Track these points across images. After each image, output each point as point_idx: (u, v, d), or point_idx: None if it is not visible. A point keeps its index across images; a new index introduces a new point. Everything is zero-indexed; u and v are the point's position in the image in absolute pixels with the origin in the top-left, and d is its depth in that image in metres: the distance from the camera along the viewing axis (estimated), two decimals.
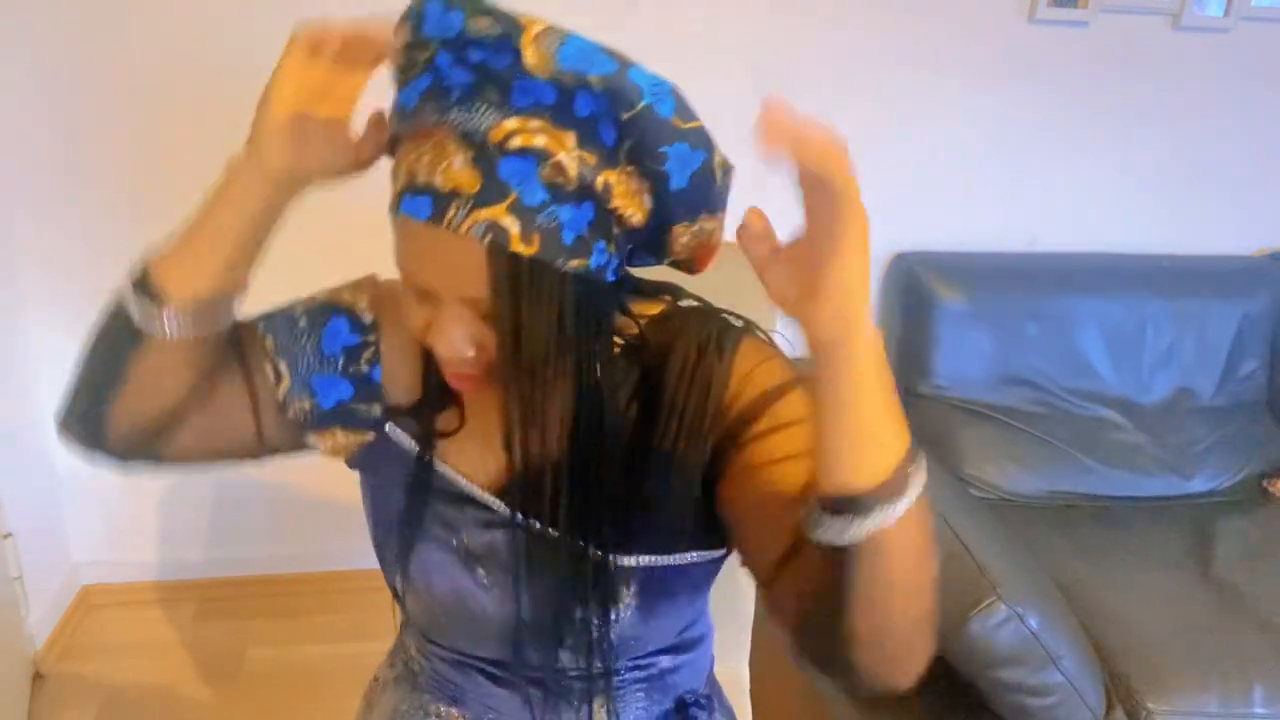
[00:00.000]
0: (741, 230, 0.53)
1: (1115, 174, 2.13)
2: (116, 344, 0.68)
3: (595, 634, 0.73)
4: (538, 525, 0.73)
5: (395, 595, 0.81)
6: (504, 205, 0.57)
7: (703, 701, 0.88)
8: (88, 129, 1.80)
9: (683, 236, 0.65)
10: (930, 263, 2.02)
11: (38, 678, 1.88)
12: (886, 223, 2.10)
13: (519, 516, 0.73)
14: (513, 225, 0.57)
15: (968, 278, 2.00)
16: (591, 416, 0.66)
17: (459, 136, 0.57)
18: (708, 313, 0.76)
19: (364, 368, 0.76)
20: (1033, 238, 2.15)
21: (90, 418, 0.71)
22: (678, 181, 0.60)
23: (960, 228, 2.12)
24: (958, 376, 1.98)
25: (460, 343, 0.63)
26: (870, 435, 0.53)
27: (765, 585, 0.66)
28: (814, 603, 0.59)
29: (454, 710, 0.84)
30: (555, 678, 0.78)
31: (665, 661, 0.83)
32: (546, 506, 0.70)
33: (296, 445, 0.79)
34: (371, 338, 0.76)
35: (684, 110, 0.59)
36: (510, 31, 0.55)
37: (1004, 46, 1.98)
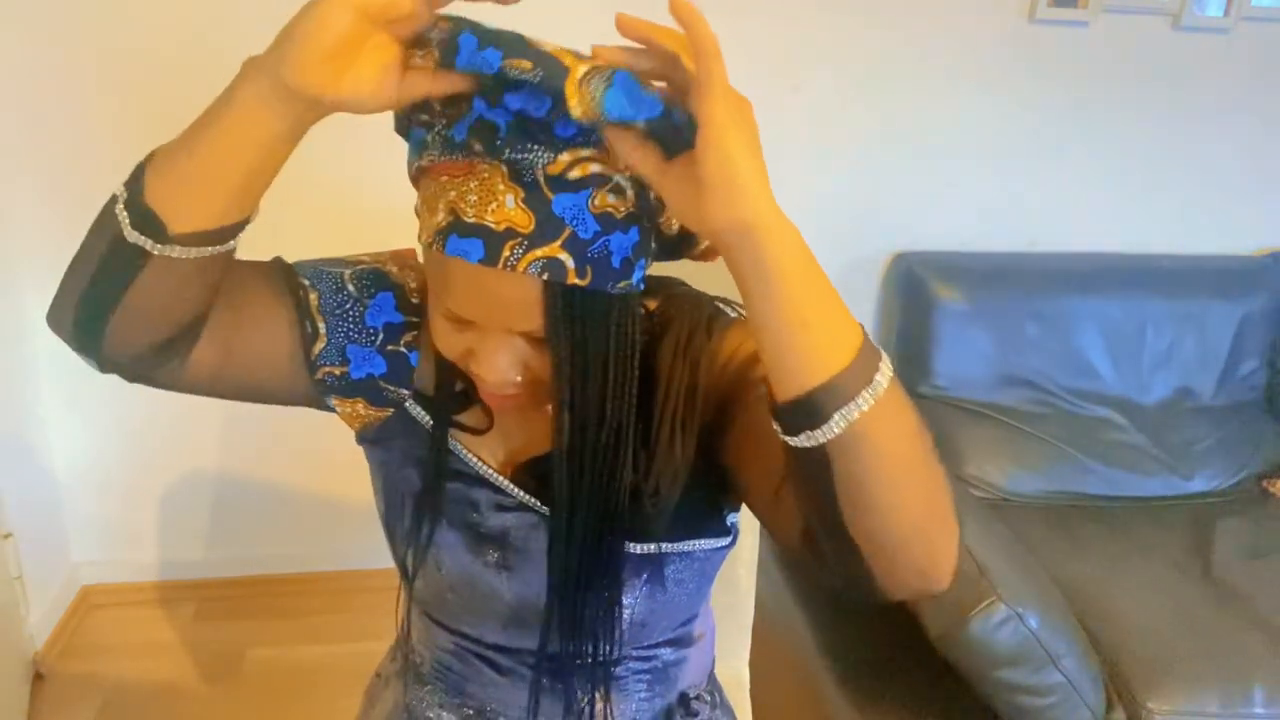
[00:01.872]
0: (613, 146, 0.55)
1: (1115, 174, 2.13)
2: (110, 260, 0.59)
3: (611, 620, 0.74)
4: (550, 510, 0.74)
5: (403, 572, 0.81)
6: (558, 243, 0.57)
7: (705, 697, 0.89)
8: (90, 125, 1.80)
9: (706, 239, 0.68)
10: (930, 263, 2.02)
11: (38, 678, 1.88)
12: (886, 223, 2.10)
13: (534, 501, 0.74)
14: (568, 260, 0.57)
15: (968, 278, 2.00)
16: (618, 411, 0.66)
17: (508, 175, 0.57)
18: (701, 300, 0.77)
19: (402, 349, 0.75)
20: (1033, 238, 2.15)
21: (84, 333, 0.63)
22: None
23: (960, 228, 2.12)
24: (958, 376, 1.98)
25: (509, 370, 0.64)
26: (805, 325, 0.51)
27: (769, 519, 0.67)
28: (815, 520, 0.58)
29: (456, 701, 0.85)
30: (570, 665, 0.78)
31: (668, 654, 0.84)
32: (563, 492, 0.70)
33: (312, 402, 0.77)
34: (416, 320, 0.76)
35: None
36: (553, 75, 0.52)
37: (1004, 46, 1.98)
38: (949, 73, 1.99)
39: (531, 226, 0.57)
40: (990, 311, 1.98)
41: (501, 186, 0.57)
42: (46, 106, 1.77)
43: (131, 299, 0.60)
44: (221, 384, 0.71)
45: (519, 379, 0.65)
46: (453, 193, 0.58)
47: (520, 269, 0.57)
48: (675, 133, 0.54)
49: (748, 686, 1.22)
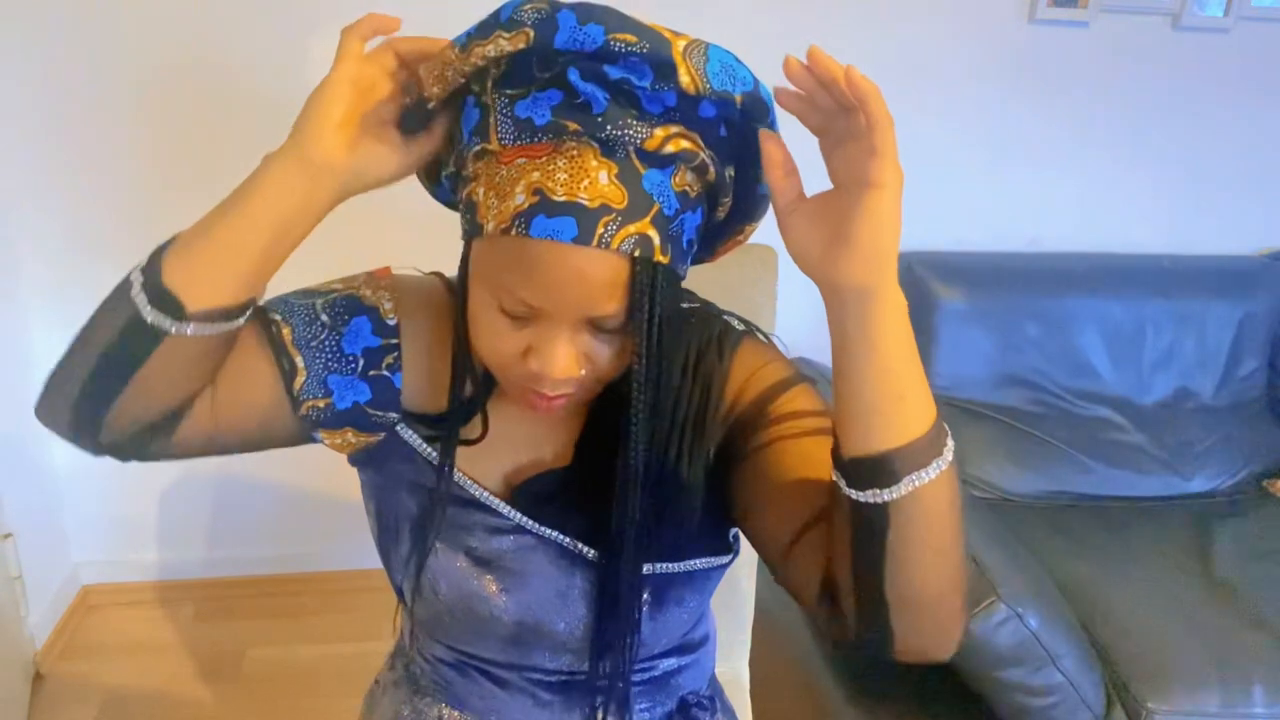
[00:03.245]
0: (767, 160, 0.58)
1: (1115, 174, 2.13)
2: (124, 341, 0.61)
3: (623, 640, 0.73)
4: (550, 533, 0.73)
5: (399, 595, 0.80)
6: (648, 218, 0.57)
7: (705, 702, 0.88)
8: (90, 127, 1.80)
9: (739, 236, 0.68)
10: (930, 263, 2.02)
11: (38, 678, 1.88)
12: None
13: (532, 523, 0.73)
14: (655, 236, 0.57)
15: (968, 278, 2.00)
16: (628, 421, 0.65)
17: (600, 151, 0.56)
18: (710, 314, 0.76)
19: (385, 372, 0.72)
20: (1033, 238, 2.15)
21: (84, 415, 0.65)
22: (764, 187, 0.62)
23: (960, 228, 2.12)
24: (958, 376, 1.98)
25: (574, 363, 0.62)
26: (904, 390, 0.54)
27: (781, 565, 0.66)
28: (840, 572, 0.59)
29: (456, 713, 0.84)
30: (588, 682, 0.78)
31: (669, 663, 0.83)
32: (559, 514, 0.70)
33: (302, 440, 0.75)
34: (394, 340, 0.73)
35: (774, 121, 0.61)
36: (659, 46, 0.53)
37: (1004, 46, 1.98)
38: (949, 73, 1.99)
39: (625, 203, 0.56)
40: (990, 311, 1.98)
41: (594, 163, 0.56)
42: (48, 111, 1.77)
43: (141, 379, 0.62)
44: (217, 444, 0.71)
45: (582, 373, 0.63)
46: (536, 174, 0.56)
47: (614, 246, 0.56)
48: (753, 121, 0.58)
49: (748, 686, 1.22)
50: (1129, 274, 2.06)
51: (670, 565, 0.74)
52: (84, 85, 1.77)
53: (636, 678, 0.82)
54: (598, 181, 0.56)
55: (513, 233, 0.57)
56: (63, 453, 2.01)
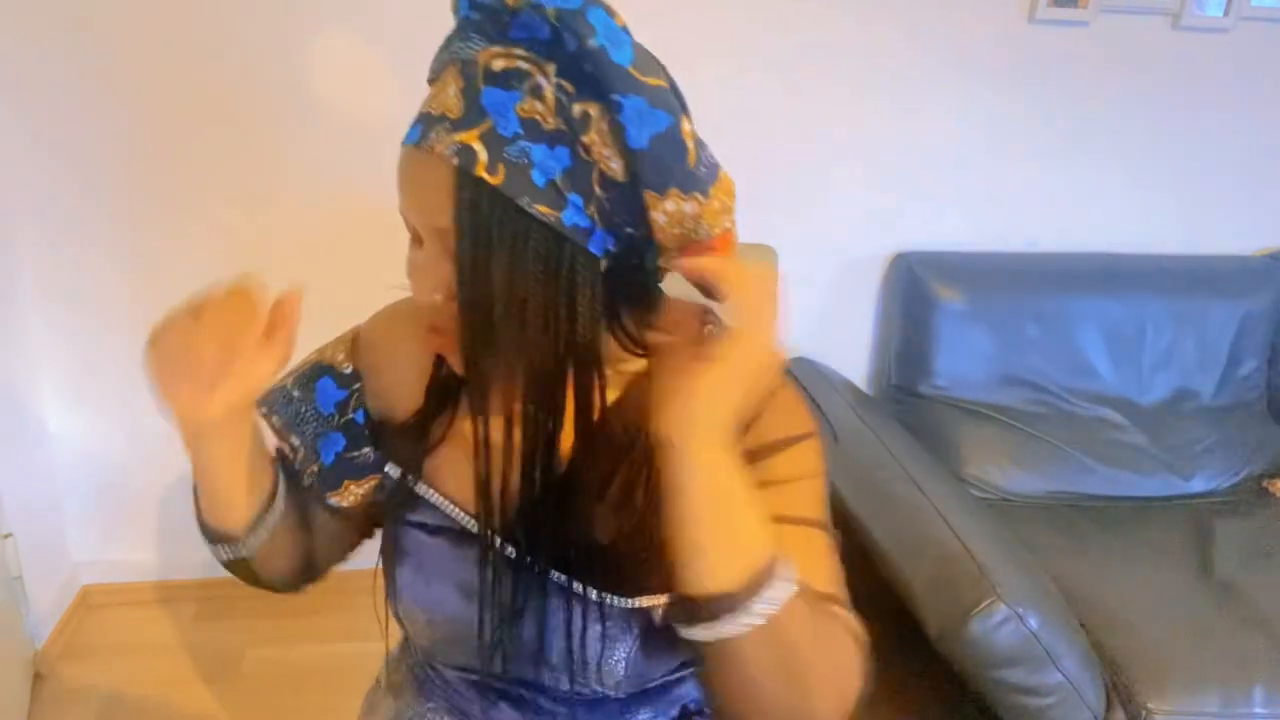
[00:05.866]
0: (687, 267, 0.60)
1: (1115, 174, 2.13)
2: (235, 567, 0.78)
3: (596, 666, 0.72)
4: (514, 553, 0.71)
5: (400, 623, 0.81)
6: (477, 131, 0.57)
7: (706, 711, 0.87)
8: (88, 129, 1.80)
9: (657, 212, 0.60)
10: (930, 263, 2.02)
11: (38, 678, 1.88)
12: (886, 223, 2.11)
13: (491, 536, 0.70)
14: (482, 151, 0.57)
15: (968, 278, 2.00)
16: (551, 408, 0.64)
17: (458, 69, 0.59)
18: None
19: (351, 415, 0.78)
20: (1033, 238, 2.15)
21: (283, 591, 0.86)
22: (636, 139, 0.57)
23: (960, 228, 2.12)
24: (958, 376, 1.98)
25: (426, 278, 0.63)
26: (696, 547, 0.56)
27: None
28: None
29: (458, 718, 0.83)
30: (564, 695, 0.77)
31: (668, 678, 0.81)
32: (522, 534, 0.69)
33: (335, 514, 0.81)
34: (356, 386, 0.78)
35: (646, 64, 0.58)
36: None
37: (1004, 46, 1.98)
38: (949, 73, 1.99)
39: (460, 113, 0.58)
40: (990, 311, 1.98)
41: (451, 79, 0.59)
42: (46, 109, 1.77)
43: (267, 579, 0.81)
44: (328, 554, 0.86)
45: (439, 298, 0.63)
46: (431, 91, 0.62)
47: (437, 150, 0.58)
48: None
49: None
50: (1129, 274, 2.06)
51: (659, 596, 0.70)
52: (83, 90, 1.77)
53: (637, 696, 0.80)
54: (447, 95, 0.59)
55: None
56: (63, 453, 2.01)
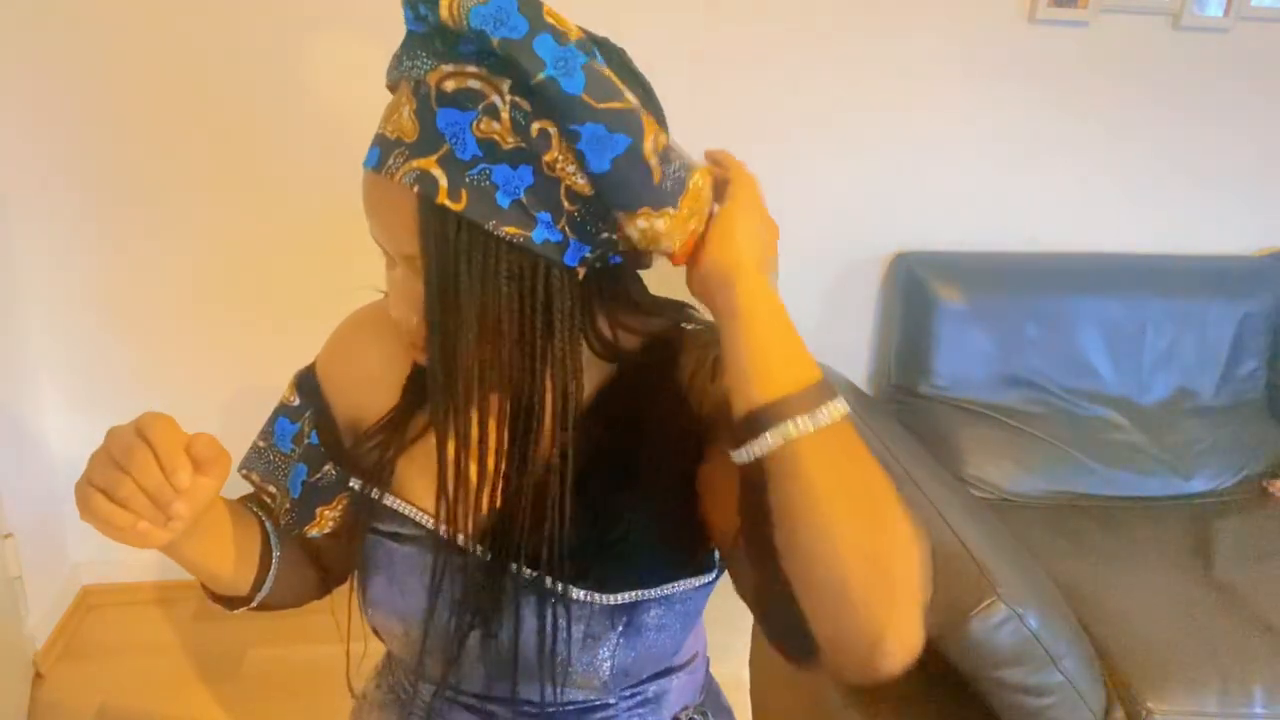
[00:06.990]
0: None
1: (1115, 174, 2.13)
2: (258, 610, 0.81)
3: (578, 668, 0.71)
4: (489, 555, 0.70)
5: (378, 636, 0.82)
6: (435, 156, 0.56)
7: (695, 718, 0.86)
8: (88, 130, 1.80)
9: (629, 228, 0.59)
10: (930, 263, 2.02)
11: (38, 678, 1.88)
12: (886, 223, 2.10)
13: (448, 537, 0.69)
14: (442, 178, 0.55)
15: (968, 278, 2.00)
16: (528, 420, 0.64)
17: (411, 88, 0.57)
18: (710, 339, 0.72)
19: (305, 441, 0.78)
20: (1033, 238, 2.15)
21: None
22: (596, 164, 0.56)
23: (960, 228, 2.12)
24: (958, 376, 1.98)
25: (400, 302, 0.63)
26: (765, 354, 0.57)
27: (730, 570, 0.67)
28: (758, 566, 0.59)
29: None
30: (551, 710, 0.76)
31: (657, 686, 0.81)
32: (493, 537, 0.69)
33: (316, 546, 0.85)
34: (307, 414, 0.79)
35: (599, 88, 0.54)
36: None
37: (1004, 46, 1.98)
38: (949, 73, 1.99)
39: (415, 137, 0.56)
40: (990, 311, 1.98)
41: (404, 99, 0.58)
42: (48, 104, 1.77)
43: (286, 606, 0.86)
44: (343, 566, 0.88)
45: (415, 320, 0.63)
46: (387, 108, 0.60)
47: (397, 178, 0.56)
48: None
49: (748, 686, 1.22)
50: (1129, 274, 2.06)
51: (645, 592, 0.70)
52: (83, 92, 1.77)
53: (627, 704, 0.79)
54: (401, 117, 0.57)
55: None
56: (63, 453, 2.01)
